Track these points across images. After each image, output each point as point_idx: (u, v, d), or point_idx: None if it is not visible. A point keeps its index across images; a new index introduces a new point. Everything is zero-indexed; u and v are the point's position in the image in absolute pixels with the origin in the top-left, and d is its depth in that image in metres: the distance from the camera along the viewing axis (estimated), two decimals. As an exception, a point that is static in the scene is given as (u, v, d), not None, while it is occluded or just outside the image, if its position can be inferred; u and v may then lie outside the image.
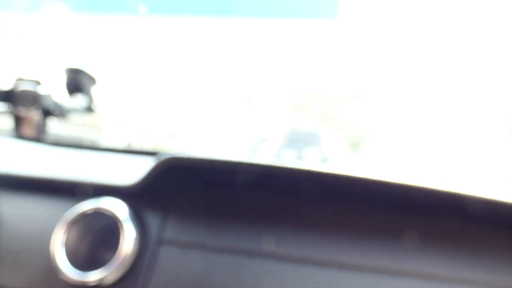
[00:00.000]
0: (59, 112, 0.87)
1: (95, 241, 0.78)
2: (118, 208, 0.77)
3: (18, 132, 0.86)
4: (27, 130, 0.85)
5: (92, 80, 1.02)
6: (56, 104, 0.87)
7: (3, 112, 0.86)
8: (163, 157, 0.78)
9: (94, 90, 1.05)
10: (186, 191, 0.83)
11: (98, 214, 0.77)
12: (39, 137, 0.85)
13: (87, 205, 0.78)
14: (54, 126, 1.06)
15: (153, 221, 0.80)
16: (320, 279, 0.72)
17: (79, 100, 1.03)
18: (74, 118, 1.03)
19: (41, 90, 0.85)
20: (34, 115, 0.84)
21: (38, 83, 0.85)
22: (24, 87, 0.85)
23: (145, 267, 0.75)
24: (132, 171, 0.89)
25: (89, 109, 1.04)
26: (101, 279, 0.72)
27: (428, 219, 0.76)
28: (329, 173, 0.75)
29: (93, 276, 0.72)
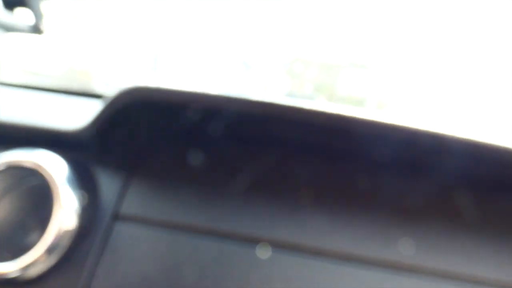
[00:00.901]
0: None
1: (20, 211, 0.53)
2: (51, 164, 0.52)
3: None
4: None
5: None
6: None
7: None
8: (122, 90, 0.51)
9: (42, 5, 0.81)
10: (154, 147, 0.59)
11: (19, 171, 0.51)
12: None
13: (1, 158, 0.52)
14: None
15: (106, 188, 0.55)
16: (293, 265, 0.55)
17: (22, 16, 0.79)
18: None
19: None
20: None
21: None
22: None
23: (92, 251, 0.51)
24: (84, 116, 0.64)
25: (35, 29, 0.79)
26: (21, 270, 0.47)
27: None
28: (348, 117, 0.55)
29: (6, 266, 0.48)
